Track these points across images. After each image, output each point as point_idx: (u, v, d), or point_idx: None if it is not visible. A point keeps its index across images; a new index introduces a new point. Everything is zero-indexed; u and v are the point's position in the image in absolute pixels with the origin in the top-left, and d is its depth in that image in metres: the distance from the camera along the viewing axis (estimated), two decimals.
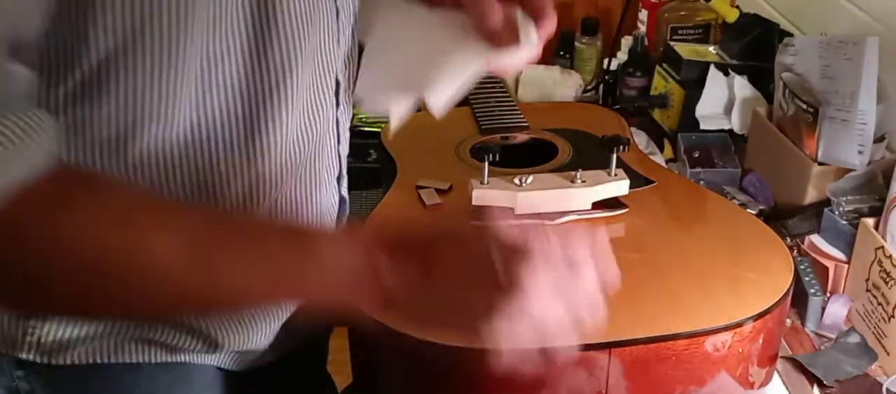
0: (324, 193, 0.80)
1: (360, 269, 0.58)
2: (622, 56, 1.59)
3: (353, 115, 0.85)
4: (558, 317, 0.58)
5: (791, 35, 1.34)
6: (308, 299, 0.64)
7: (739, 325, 0.75)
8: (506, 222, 0.60)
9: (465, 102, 1.17)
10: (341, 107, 0.79)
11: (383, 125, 1.44)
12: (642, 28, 1.64)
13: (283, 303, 0.75)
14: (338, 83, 0.77)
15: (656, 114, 1.44)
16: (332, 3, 0.71)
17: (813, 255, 1.06)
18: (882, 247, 0.95)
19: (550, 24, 0.68)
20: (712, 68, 1.35)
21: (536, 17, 0.67)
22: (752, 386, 0.81)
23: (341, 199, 0.84)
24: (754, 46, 1.37)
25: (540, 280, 0.56)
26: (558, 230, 0.59)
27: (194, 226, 0.57)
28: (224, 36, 0.62)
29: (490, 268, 0.57)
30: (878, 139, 1.11)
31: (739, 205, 1.17)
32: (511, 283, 0.56)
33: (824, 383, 0.92)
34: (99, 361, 0.73)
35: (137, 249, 0.54)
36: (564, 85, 1.53)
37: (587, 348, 0.72)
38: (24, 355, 0.71)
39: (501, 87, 1.23)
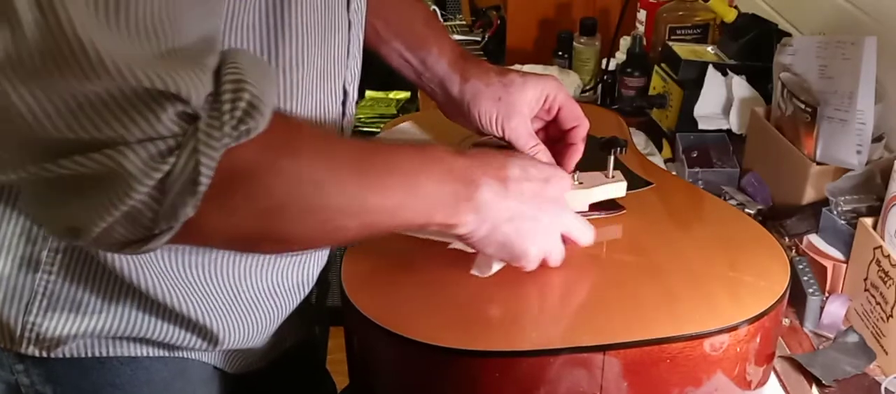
0: None
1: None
2: (621, 56, 1.59)
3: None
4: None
5: (789, 35, 1.34)
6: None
7: (735, 328, 0.75)
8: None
9: None
10: (347, 117, 0.81)
11: (382, 125, 1.44)
12: (640, 28, 1.64)
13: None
14: (345, 93, 0.79)
15: (655, 114, 1.44)
16: (344, 17, 0.72)
17: (811, 255, 1.06)
18: (880, 246, 0.95)
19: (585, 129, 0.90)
20: (711, 68, 1.34)
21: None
22: (749, 386, 0.81)
23: None
24: (753, 46, 1.37)
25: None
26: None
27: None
28: (238, 33, 0.64)
29: None
30: (877, 139, 1.11)
31: (738, 205, 1.17)
32: None
33: (823, 382, 0.92)
34: (97, 354, 0.74)
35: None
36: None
37: (582, 350, 0.72)
38: (23, 350, 0.72)
39: None
